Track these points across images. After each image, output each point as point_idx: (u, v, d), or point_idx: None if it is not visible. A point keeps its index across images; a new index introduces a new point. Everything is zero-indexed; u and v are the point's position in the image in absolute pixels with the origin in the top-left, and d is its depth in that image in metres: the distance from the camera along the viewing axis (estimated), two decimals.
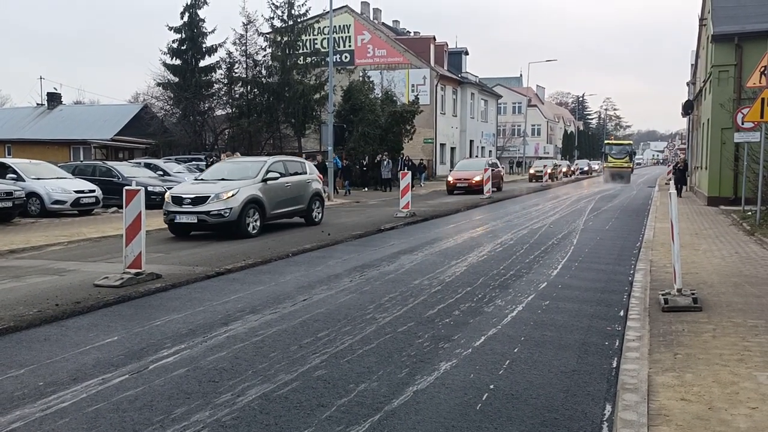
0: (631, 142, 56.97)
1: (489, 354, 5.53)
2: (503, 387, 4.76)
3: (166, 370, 5.16)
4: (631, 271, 9.37)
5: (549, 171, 43.53)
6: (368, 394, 4.60)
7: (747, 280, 8.28)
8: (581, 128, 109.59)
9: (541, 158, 62.51)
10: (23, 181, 17.55)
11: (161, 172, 23.83)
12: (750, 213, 15.83)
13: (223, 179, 13.75)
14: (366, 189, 33.50)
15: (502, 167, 46.03)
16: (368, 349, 5.66)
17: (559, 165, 51.58)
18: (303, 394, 4.61)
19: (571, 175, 55.58)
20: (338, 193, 28.80)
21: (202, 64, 36.86)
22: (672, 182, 22.28)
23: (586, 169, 64.54)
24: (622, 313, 6.91)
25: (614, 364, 5.24)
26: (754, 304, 6.91)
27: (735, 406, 4.14)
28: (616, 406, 4.25)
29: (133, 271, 8.48)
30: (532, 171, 47.16)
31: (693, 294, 6.96)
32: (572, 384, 4.83)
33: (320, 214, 16.02)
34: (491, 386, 4.77)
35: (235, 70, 36.96)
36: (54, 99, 43.09)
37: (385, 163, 33.09)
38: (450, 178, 30.18)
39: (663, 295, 7.05)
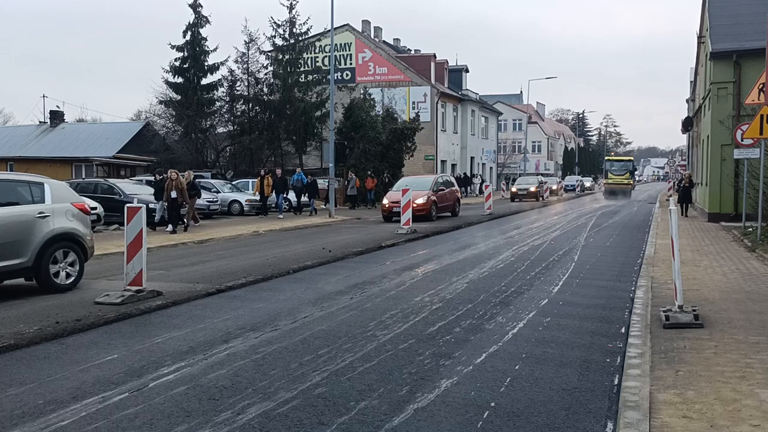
0: (632, 158, 56.27)
1: (490, 371, 5.51)
2: (504, 404, 4.74)
3: (166, 387, 5.14)
4: (633, 288, 9.35)
5: (533, 189, 38.71)
6: (369, 412, 4.58)
7: (748, 296, 8.27)
8: (582, 145, 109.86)
9: (524, 174, 54.64)
10: None
11: None
12: (751, 229, 15.82)
13: None
14: (327, 206, 31.05)
15: (499, 186, 43.30)
16: (369, 366, 5.65)
17: (545, 182, 44.06)
18: (303, 412, 4.60)
19: (560, 194, 49.21)
20: (290, 212, 26.12)
21: (204, 82, 37.08)
22: (673, 199, 22.29)
23: (577, 185, 59.15)
24: (623, 330, 6.89)
25: (616, 382, 5.22)
26: (755, 321, 6.89)
27: (737, 424, 4.12)
28: (618, 423, 4.23)
29: (134, 288, 8.48)
30: (514, 189, 40.10)
31: (694, 311, 6.95)
32: (574, 401, 4.81)
33: (74, 272, 9.49)
34: (492, 404, 4.75)
35: (237, 88, 37.18)
36: (56, 117, 43.29)
37: (349, 178, 32.08)
38: (385, 201, 23.24)
39: (664, 311, 7.03)
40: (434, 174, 28.15)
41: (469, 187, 46.34)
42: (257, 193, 25.85)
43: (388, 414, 4.55)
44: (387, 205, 22.83)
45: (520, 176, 50.61)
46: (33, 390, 5.14)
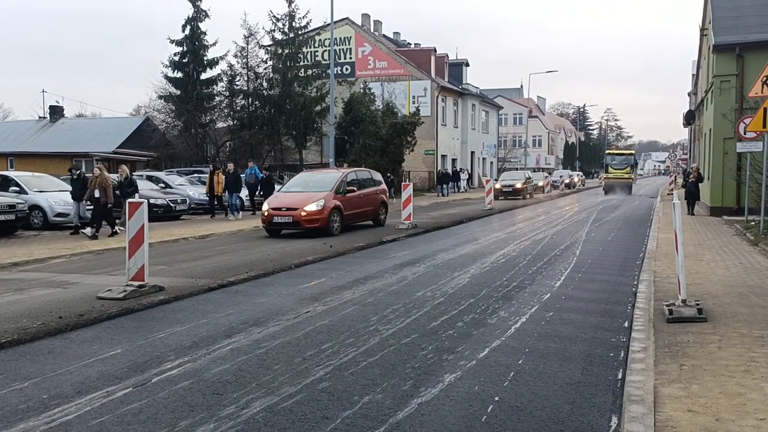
0: (633, 151, 55.74)
1: (493, 366, 5.50)
2: (508, 399, 4.73)
3: (169, 382, 5.14)
4: (635, 282, 9.34)
5: (519, 186, 35.02)
6: (373, 407, 4.58)
7: (752, 290, 8.25)
8: (582, 139, 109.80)
9: (510, 169, 49.57)
10: (26, 193, 17.58)
11: (163, 185, 23.88)
12: (753, 223, 15.81)
13: None
14: None
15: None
16: (372, 361, 5.64)
17: (531, 178, 39.23)
18: (307, 406, 4.59)
19: (548, 191, 43.68)
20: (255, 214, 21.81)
21: (203, 76, 37.03)
22: (677, 193, 22.23)
23: (567, 181, 53.58)
24: (626, 324, 6.88)
25: (619, 376, 5.21)
26: (759, 315, 6.88)
27: (743, 418, 4.11)
28: (623, 417, 4.23)
29: (136, 283, 8.48)
30: (498, 186, 34.22)
31: (698, 305, 6.94)
32: (578, 396, 4.80)
33: None
34: (496, 398, 4.74)
35: (237, 83, 37.14)
36: (56, 112, 43.26)
37: None
38: (265, 208, 16.47)
39: (667, 306, 7.02)
40: (344, 169, 20.26)
41: (457, 183, 44.70)
42: (207, 191, 22.48)
43: (392, 408, 4.54)
44: (266, 214, 16.17)
45: (505, 171, 46.67)
46: (37, 385, 5.14)
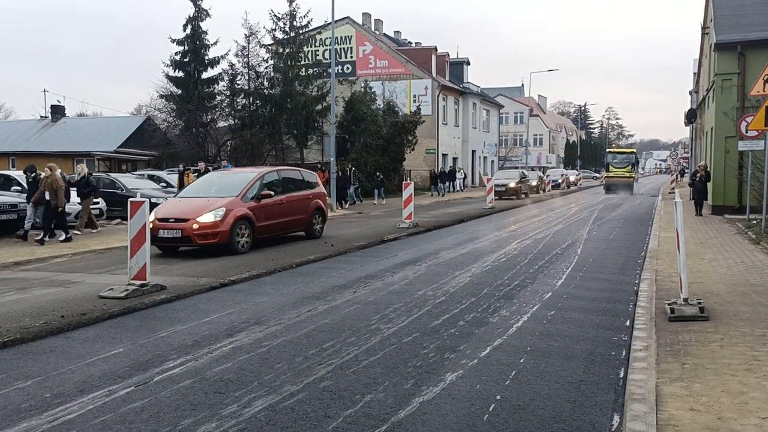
0: (634, 150, 55.36)
1: (495, 364, 5.51)
2: (510, 398, 4.73)
3: (172, 381, 5.15)
4: (637, 281, 9.34)
5: (513, 185, 33.64)
6: (375, 405, 4.58)
7: (754, 289, 8.25)
8: (583, 138, 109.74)
9: (508, 168, 49.15)
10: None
11: (164, 184, 23.88)
12: (755, 222, 15.81)
13: None
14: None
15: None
16: (374, 359, 5.65)
17: (526, 176, 37.64)
18: (309, 405, 4.60)
19: (548, 189, 42.11)
20: None
21: (204, 75, 37.01)
22: (677, 193, 22.14)
23: (559, 180, 50.44)
24: (628, 323, 6.88)
25: (621, 374, 5.21)
26: (761, 313, 6.88)
27: (745, 416, 4.11)
28: (625, 416, 4.22)
29: (138, 282, 8.48)
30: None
31: (699, 303, 6.93)
32: (579, 394, 4.80)
33: None
34: (498, 397, 4.75)
35: (238, 82, 37.10)
36: (57, 111, 43.31)
37: None
38: (151, 218, 11.65)
39: (669, 304, 7.02)
40: (264, 167, 17.79)
41: (453, 183, 43.23)
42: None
43: (393, 407, 4.55)
44: (155, 224, 12.13)
45: (498, 170, 45.59)
46: (40, 383, 5.15)
